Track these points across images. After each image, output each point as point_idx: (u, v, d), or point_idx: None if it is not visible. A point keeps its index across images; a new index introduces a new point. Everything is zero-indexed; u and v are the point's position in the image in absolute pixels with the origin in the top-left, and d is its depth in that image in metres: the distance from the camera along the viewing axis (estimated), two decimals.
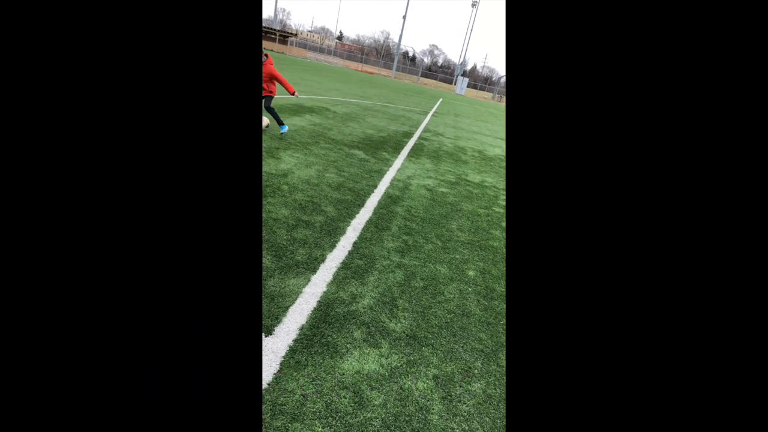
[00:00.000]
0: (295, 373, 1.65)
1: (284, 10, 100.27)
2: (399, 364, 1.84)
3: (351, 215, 3.40)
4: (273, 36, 55.42)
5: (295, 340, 1.82)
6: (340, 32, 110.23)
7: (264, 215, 3.01)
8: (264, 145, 4.99)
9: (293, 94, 5.53)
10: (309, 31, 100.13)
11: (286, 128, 5.71)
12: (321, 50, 65.37)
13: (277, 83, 5.50)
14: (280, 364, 1.68)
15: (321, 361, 1.75)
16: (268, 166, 4.20)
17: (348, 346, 1.87)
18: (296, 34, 65.99)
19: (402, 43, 65.36)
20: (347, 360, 1.79)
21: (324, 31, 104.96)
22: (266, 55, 5.32)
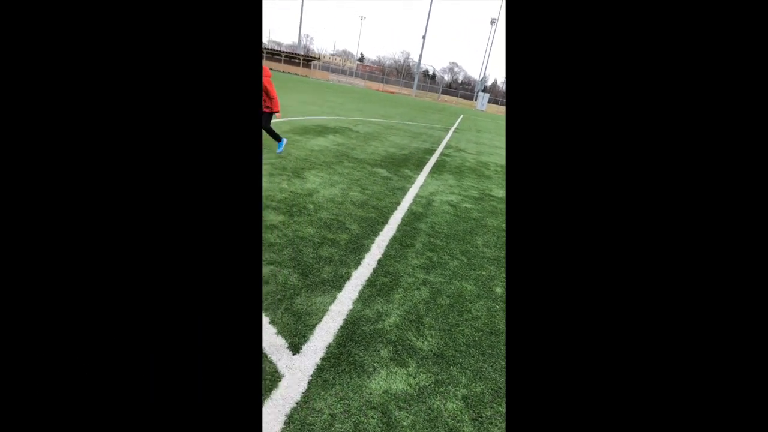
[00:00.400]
0: (322, 393, 1.64)
1: (308, 36, 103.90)
2: (427, 384, 1.80)
3: (375, 232, 3.41)
4: (297, 60, 57.30)
5: (323, 359, 1.82)
6: (361, 54, 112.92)
7: (290, 234, 3.07)
8: (289, 165, 5.11)
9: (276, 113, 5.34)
10: (331, 55, 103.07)
11: (284, 142, 5.68)
12: (343, 72, 67.03)
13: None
14: (308, 383, 1.68)
15: (348, 380, 1.74)
16: (294, 185, 4.29)
17: (375, 365, 1.86)
18: (319, 58, 68.03)
19: (422, 61, 66.42)
20: (375, 379, 1.77)
21: (346, 54, 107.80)
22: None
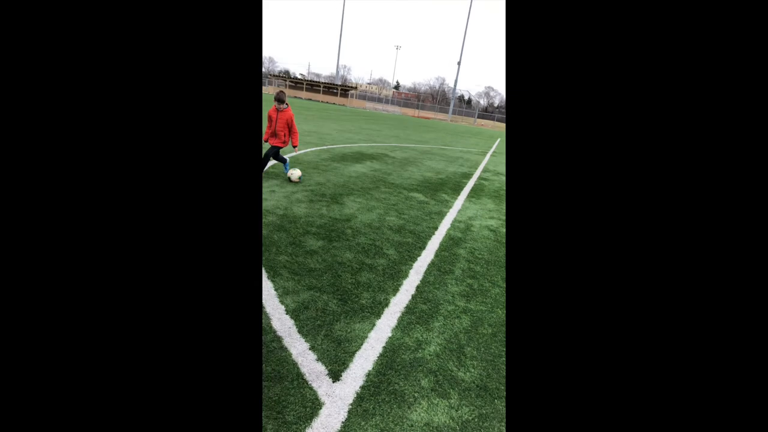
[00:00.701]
0: (363, 423, 1.61)
1: (345, 66, 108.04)
2: (470, 418, 1.73)
3: (413, 258, 3.39)
4: (335, 90, 59.51)
5: (362, 387, 1.80)
6: (397, 82, 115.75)
7: (330, 259, 3.11)
8: (328, 191, 5.23)
9: (295, 147, 5.56)
10: (368, 83, 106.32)
11: (289, 168, 5.63)
12: (379, 100, 68.74)
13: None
14: (348, 411, 1.65)
15: (389, 410, 1.70)
16: (333, 211, 4.38)
17: (416, 395, 1.81)
18: (356, 87, 70.32)
19: (457, 87, 67.01)
20: (415, 410, 1.72)
21: (381, 82, 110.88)
22: (286, 104, 5.30)
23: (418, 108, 66.59)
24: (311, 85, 62.70)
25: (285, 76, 73.73)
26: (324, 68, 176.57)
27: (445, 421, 1.69)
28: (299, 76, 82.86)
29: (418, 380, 1.90)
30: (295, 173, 5.44)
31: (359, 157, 8.79)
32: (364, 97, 67.69)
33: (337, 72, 70.02)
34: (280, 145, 5.38)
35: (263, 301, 2.38)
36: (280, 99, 5.26)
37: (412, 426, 1.64)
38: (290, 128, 5.41)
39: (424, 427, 1.64)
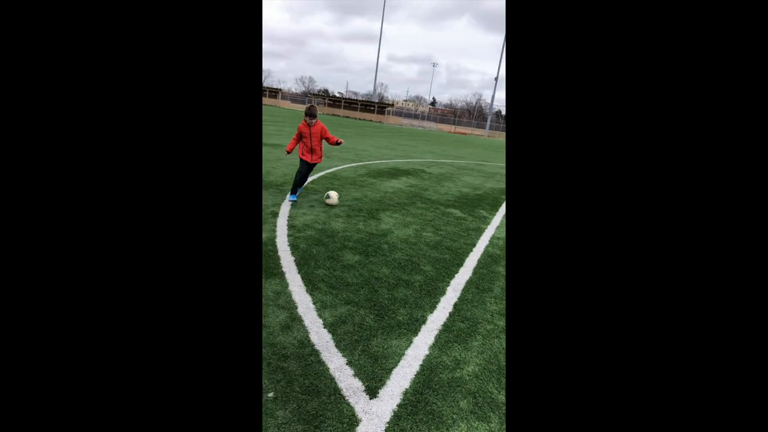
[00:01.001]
0: None
1: (382, 84, 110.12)
2: None
3: (450, 275, 3.34)
4: (372, 108, 60.62)
5: (399, 405, 1.77)
6: (433, 98, 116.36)
7: (366, 274, 3.12)
8: (365, 206, 5.28)
9: (338, 143, 5.23)
10: (404, 100, 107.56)
11: (295, 198, 5.15)
12: (415, 116, 69.27)
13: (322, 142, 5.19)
14: (385, 430, 1.63)
15: (426, 431, 1.66)
16: (369, 226, 4.41)
17: (454, 416, 1.76)
18: (393, 104, 71.30)
19: (494, 102, 66.50)
20: None
21: (418, 99, 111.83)
22: (315, 117, 4.97)
23: (454, 124, 66.45)
24: (349, 103, 64.24)
25: (324, 95, 76.06)
26: (361, 87, 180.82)
27: None
28: (337, 95, 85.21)
29: (457, 401, 1.85)
30: (332, 197, 5.14)
31: (395, 172, 8.85)
32: (400, 113, 68.46)
33: (375, 89, 71.41)
34: (317, 161, 5.19)
35: (302, 314, 2.42)
36: (312, 114, 4.96)
37: None
38: (326, 139, 5.16)
39: None
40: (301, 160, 5.13)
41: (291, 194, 5.14)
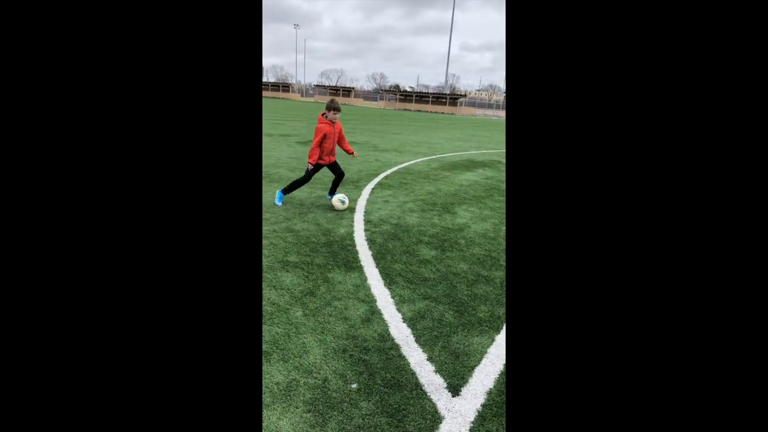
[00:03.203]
0: None
1: (454, 75, 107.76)
2: None
3: None
4: (444, 100, 59.70)
5: (484, 405, 1.71)
6: None
7: (444, 269, 3.07)
8: (439, 200, 5.21)
9: (352, 154, 4.74)
10: (477, 90, 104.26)
11: (281, 202, 4.55)
12: (489, 106, 66.83)
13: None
14: (470, 429, 1.59)
15: None
16: (445, 221, 4.34)
17: None
18: (465, 95, 69.52)
19: None
20: None
21: (492, 88, 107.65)
22: (334, 115, 4.32)
23: None
24: (420, 97, 63.91)
25: (395, 90, 76.56)
26: (432, 79, 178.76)
27: None
28: (408, 89, 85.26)
29: None
30: (342, 202, 4.49)
31: (470, 165, 8.61)
32: (473, 104, 66.49)
33: (446, 81, 70.18)
34: (333, 159, 4.55)
35: (381, 308, 2.45)
36: (338, 108, 4.34)
37: None
38: (341, 141, 4.58)
39: None
40: (316, 165, 4.41)
41: (280, 195, 4.53)
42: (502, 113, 58.49)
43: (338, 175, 4.64)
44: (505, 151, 11.93)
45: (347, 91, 73.79)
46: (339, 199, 4.45)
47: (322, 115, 4.35)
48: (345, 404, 1.66)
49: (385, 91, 77.47)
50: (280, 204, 4.49)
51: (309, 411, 1.61)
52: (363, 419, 1.59)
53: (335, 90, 74.84)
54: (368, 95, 77.78)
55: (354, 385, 1.77)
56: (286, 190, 4.53)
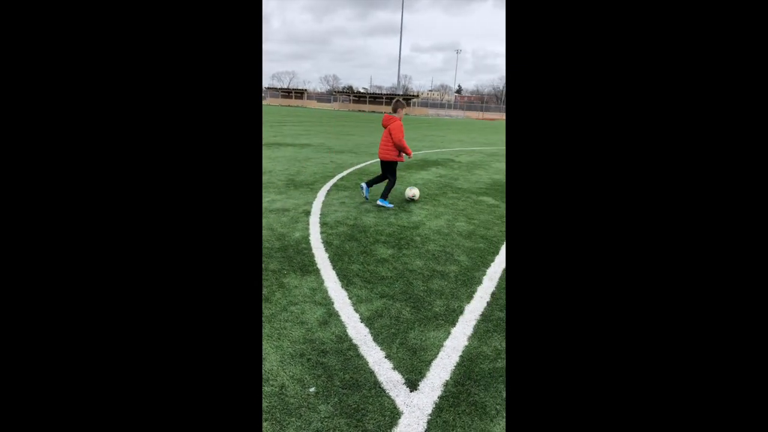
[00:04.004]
0: None
1: (406, 76, 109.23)
2: None
3: (486, 264, 3.27)
4: None
5: (441, 397, 1.75)
6: (459, 86, 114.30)
7: (400, 267, 3.11)
8: (395, 200, 5.26)
9: (407, 153, 4.91)
10: (429, 90, 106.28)
11: (368, 194, 5.07)
12: (442, 105, 68.34)
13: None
14: (428, 422, 1.62)
15: (470, 422, 1.63)
16: (401, 219, 4.39)
17: (498, 407, 1.72)
18: (418, 95, 70.66)
19: None
20: (499, 423, 1.63)
21: (443, 88, 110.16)
22: (395, 113, 4.81)
23: (482, 110, 65.04)
24: (374, 98, 64.24)
25: (349, 92, 76.41)
26: (386, 80, 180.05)
27: None
28: (362, 90, 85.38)
29: (500, 391, 1.81)
30: (412, 192, 5.18)
31: (424, 164, 8.76)
32: (426, 104, 67.73)
33: (399, 82, 70.99)
34: (379, 156, 4.94)
35: (338, 309, 2.44)
36: (393, 108, 4.87)
37: None
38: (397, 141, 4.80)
39: None
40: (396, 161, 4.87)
41: (366, 188, 4.98)
42: (454, 113, 60.03)
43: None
44: (457, 149, 12.24)
45: (300, 94, 72.67)
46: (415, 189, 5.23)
47: (395, 114, 4.81)
48: (303, 409, 1.64)
49: (338, 92, 77.06)
50: (388, 205, 4.86)
51: (266, 420, 1.57)
52: (322, 422, 1.58)
53: (287, 92, 73.48)
54: (322, 97, 77.08)
55: (312, 389, 1.75)
56: (384, 195, 4.85)
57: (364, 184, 5.06)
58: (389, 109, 5.33)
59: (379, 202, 4.86)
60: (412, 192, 5.21)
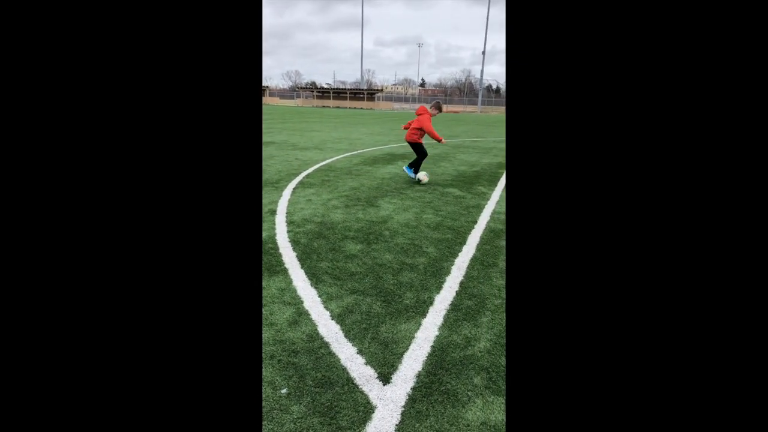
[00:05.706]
0: (417, 425, 1.58)
1: (369, 71, 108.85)
2: None
3: (454, 254, 3.32)
4: (362, 95, 60.00)
5: (414, 388, 1.77)
6: (422, 80, 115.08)
7: (370, 262, 3.11)
8: (363, 195, 5.25)
9: (435, 137, 5.99)
10: (393, 85, 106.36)
11: (412, 173, 6.13)
12: (406, 99, 68.63)
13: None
14: (401, 414, 1.63)
15: (443, 410, 1.66)
16: (369, 214, 4.39)
17: (469, 393, 1.76)
18: (382, 90, 70.59)
19: (484, 77, 65.73)
20: (470, 409, 1.67)
21: (407, 82, 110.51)
22: (422, 114, 5.98)
23: (446, 103, 65.81)
24: (338, 93, 63.63)
25: (312, 87, 75.30)
26: (349, 75, 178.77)
27: (503, 419, 1.62)
28: (325, 86, 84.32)
29: (471, 378, 1.85)
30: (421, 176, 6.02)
31: (390, 158, 8.78)
32: (390, 98, 67.80)
33: (362, 77, 70.63)
34: (407, 137, 6.17)
35: (308, 308, 2.41)
36: (440, 109, 6.34)
37: (468, 426, 1.59)
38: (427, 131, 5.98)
39: (481, 426, 1.59)
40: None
41: (409, 170, 6.13)
42: (419, 106, 60.48)
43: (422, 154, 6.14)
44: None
45: (261, 90, 70.84)
46: (425, 174, 6.09)
47: (429, 109, 6.09)
48: (275, 411, 1.61)
49: (301, 88, 75.76)
50: (413, 176, 6.08)
51: None
52: (295, 423, 1.56)
53: None
54: (284, 93, 75.55)
55: (284, 390, 1.72)
56: (414, 166, 6.09)
57: (406, 167, 6.18)
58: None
59: (404, 169, 6.18)
60: (423, 176, 6.00)
